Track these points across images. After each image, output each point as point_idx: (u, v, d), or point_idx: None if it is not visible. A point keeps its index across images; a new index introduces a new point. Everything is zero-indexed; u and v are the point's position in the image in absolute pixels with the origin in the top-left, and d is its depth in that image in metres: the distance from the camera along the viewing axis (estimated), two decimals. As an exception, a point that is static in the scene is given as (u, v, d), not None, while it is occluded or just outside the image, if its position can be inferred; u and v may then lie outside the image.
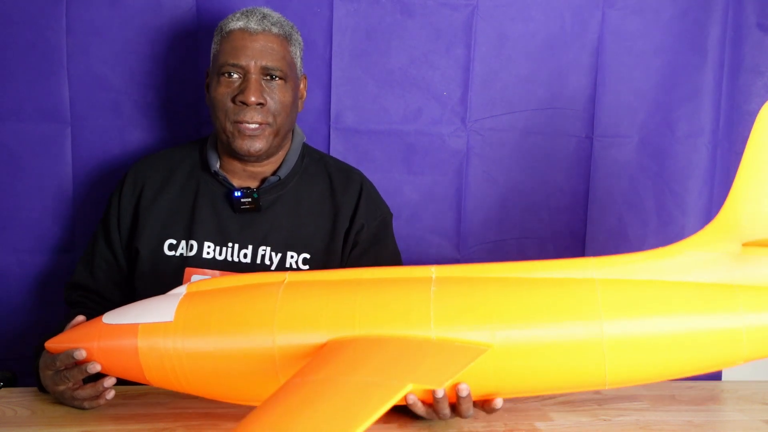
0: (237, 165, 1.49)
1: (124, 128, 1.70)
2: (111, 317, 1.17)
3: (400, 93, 1.74)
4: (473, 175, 1.77)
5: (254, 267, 1.45)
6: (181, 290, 1.18)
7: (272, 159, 1.50)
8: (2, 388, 1.39)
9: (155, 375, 1.14)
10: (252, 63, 1.41)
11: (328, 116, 1.73)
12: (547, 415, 1.30)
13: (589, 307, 1.02)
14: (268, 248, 1.46)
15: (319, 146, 1.69)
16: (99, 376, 1.20)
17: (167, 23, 1.69)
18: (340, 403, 0.90)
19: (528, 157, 1.77)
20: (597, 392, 1.43)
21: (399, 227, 1.63)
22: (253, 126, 1.41)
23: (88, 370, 1.16)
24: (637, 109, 1.77)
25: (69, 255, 1.71)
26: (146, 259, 1.47)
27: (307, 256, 1.46)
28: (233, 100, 1.41)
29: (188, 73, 1.70)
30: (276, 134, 1.45)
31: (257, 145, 1.43)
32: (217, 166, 1.49)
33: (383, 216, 1.55)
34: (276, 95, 1.43)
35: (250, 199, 1.46)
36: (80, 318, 1.25)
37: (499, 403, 1.07)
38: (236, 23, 1.43)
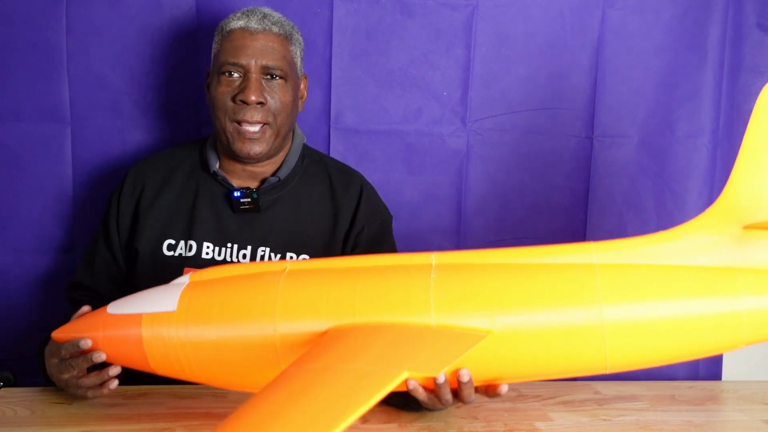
0: (237, 165, 1.49)
1: (124, 128, 1.70)
2: (115, 307, 1.18)
3: (400, 93, 1.74)
4: (473, 175, 1.77)
5: (253, 267, 1.44)
6: (183, 280, 1.19)
7: (272, 159, 1.50)
8: (2, 388, 1.39)
9: (159, 364, 1.15)
10: (252, 62, 1.41)
11: (328, 116, 1.73)
12: (547, 415, 1.30)
13: (589, 292, 1.02)
14: (267, 249, 1.46)
15: (319, 146, 1.69)
16: (104, 365, 1.20)
17: (167, 23, 1.69)
18: (336, 391, 0.91)
19: (528, 157, 1.77)
20: (597, 392, 1.43)
21: (399, 227, 1.63)
22: (253, 129, 1.41)
23: (94, 359, 1.17)
24: (637, 109, 1.77)
25: (69, 255, 1.71)
26: (145, 259, 1.47)
27: (307, 257, 1.46)
28: (233, 99, 1.41)
29: (188, 73, 1.70)
30: (276, 134, 1.45)
31: (257, 149, 1.43)
32: (217, 166, 1.49)
33: (383, 218, 1.55)
34: (276, 94, 1.43)
35: (249, 200, 1.46)
36: (86, 308, 1.26)
37: (504, 389, 1.07)
38: (237, 22, 1.43)
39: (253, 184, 1.50)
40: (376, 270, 1.11)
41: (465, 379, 1.04)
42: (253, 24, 1.42)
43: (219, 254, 1.46)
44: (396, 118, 1.74)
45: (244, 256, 1.46)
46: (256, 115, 1.41)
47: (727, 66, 1.75)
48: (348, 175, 1.56)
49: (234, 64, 1.41)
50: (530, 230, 1.78)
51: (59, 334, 1.21)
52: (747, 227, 1.03)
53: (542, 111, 1.76)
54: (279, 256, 1.46)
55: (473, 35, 1.73)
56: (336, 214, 1.51)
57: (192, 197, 1.49)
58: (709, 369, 1.78)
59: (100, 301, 1.48)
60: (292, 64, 1.46)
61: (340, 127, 1.74)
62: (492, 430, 1.23)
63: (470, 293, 1.05)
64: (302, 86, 1.54)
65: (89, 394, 1.23)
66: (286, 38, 1.46)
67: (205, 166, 1.51)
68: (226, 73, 1.42)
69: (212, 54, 1.48)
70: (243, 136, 1.42)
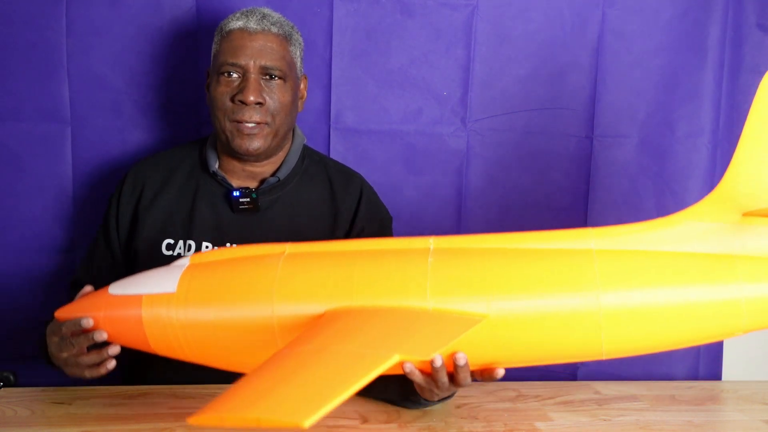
0: (236, 165, 1.49)
1: (124, 128, 1.70)
2: (117, 288, 1.19)
3: (400, 93, 1.74)
4: (473, 175, 1.77)
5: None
6: (184, 261, 1.20)
7: (272, 159, 1.50)
8: (2, 388, 1.39)
9: (159, 344, 1.16)
10: (251, 62, 1.41)
11: (328, 116, 1.73)
12: (547, 415, 1.30)
13: (586, 278, 1.02)
14: (267, 249, 1.46)
15: (319, 146, 1.69)
16: (104, 345, 1.21)
17: (167, 23, 1.69)
18: (326, 372, 0.91)
19: (528, 157, 1.77)
20: (597, 392, 1.43)
21: (399, 227, 1.63)
22: (251, 124, 1.41)
23: (96, 338, 1.17)
24: (637, 109, 1.77)
25: (69, 255, 1.71)
26: (144, 258, 1.47)
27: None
28: (232, 100, 1.41)
29: (188, 73, 1.70)
30: (275, 134, 1.45)
31: (255, 143, 1.43)
32: (216, 166, 1.49)
33: (383, 219, 1.55)
34: (275, 95, 1.43)
35: (248, 199, 1.46)
36: (88, 288, 1.26)
37: (500, 373, 1.07)
38: (236, 23, 1.43)
39: (253, 185, 1.50)
40: (375, 254, 1.12)
41: (461, 362, 1.05)
42: (252, 24, 1.42)
43: (218, 254, 1.46)
44: (396, 118, 1.74)
45: (244, 256, 1.46)
46: (255, 115, 1.41)
47: (727, 66, 1.75)
48: (348, 176, 1.56)
49: (233, 65, 1.41)
50: (530, 230, 1.78)
51: (62, 313, 1.23)
52: (746, 214, 1.03)
53: (542, 111, 1.76)
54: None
55: (473, 35, 1.73)
56: (336, 214, 1.51)
57: (191, 197, 1.49)
58: (709, 369, 1.78)
59: None
60: (291, 64, 1.46)
61: (340, 127, 1.74)
62: (492, 430, 1.23)
63: (467, 278, 1.05)
64: (302, 86, 1.54)
65: (86, 373, 1.23)
66: (286, 38, 1.46)
67: (204, 166, 1.51)
68: (225, 74, 1.42)
69: (212, 54, 1.48)
70: (242, 131, 1.42)
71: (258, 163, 1.49)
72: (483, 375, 1.10)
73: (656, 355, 1.75)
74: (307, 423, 0.79)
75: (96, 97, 1.68)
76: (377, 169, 1.72)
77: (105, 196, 1.61)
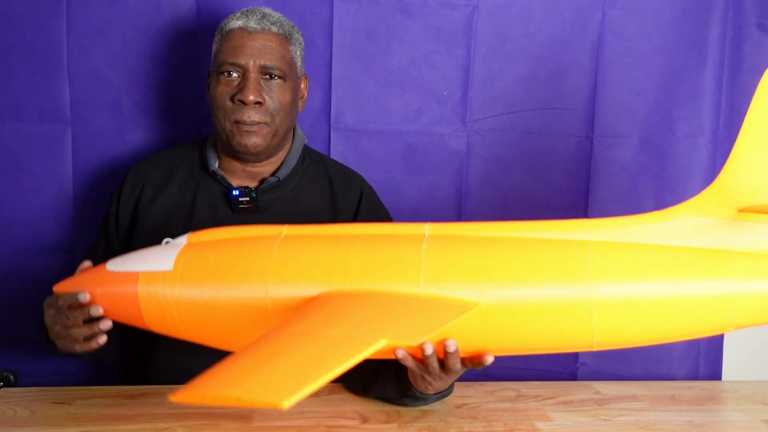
0: (236, 165, 1.49)
1: (124, 128, 1.70)
2: (114, 264, 1.20)
3: (400, 93, 1.74)
4: (473, 175, 1.77)
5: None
6: (181, 240, 1.20)
7: (272, 159, 1.50)
8: (2, 388, 1.39)
9: (154, 321, 1.17)
10: (251, 62, 1.41)
11: (328, 116, 1.73)
12: (547, 415, 1.30)
13: (579, 269, 1.02)
14: (267, 248, 1.46)
15: (320, 146, 1.69)
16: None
17: (167, 23, 1.69)
18: (310, 354, 0.92)
19: (528, 157, 1.77)
20: (597, 392, 1.43)
21: (399, 227, 1.62)
22: (251, 123, 1.41)
23: (92, 313, 1.18)
24: (637, 109, 1.77)
25: (69, 255, 1.71)
26: (145, 258, 1.47)
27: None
28: (232, 99, 1.41)
29: (188, 73, 1.70)
30: (275, 134, 1.44)
31: (254, 140, 1.42)
32: (216, 165, 1.49)
33: (383, 220, 1.55)
34: (275, 94, 1.43)
35: (248, 198, 1.46)
36: (87, 263, 1.27)
37: (488, 359, 1.07)
38: (236, 22, 1.43)
39: (253, 184, 1.50)
40: (371, 238, 1.12)
41: (451, 349, 1.06)
42: (252, 24, 1.42)
43: (218, 254, 1.46)
44: (396, 118, 1.74)
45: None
46: (255, 115, 1.41)
47: (727, 66, 1.75)
48: (348, 176, 1.56)
49: (232, 64, 1.41)
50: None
51: (60, 287, 1.23)
52: (742, 210, 1.03)
53: (542, 111, 1.76)
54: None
55: (473, 35, 1.73)
56: (335, 215, 1.50)
57: (191, 196, 1.49)
58: (709, 369, 1.78)
59: None
60: (291, 64, 1.46)
61: (341, 127, 1.74)
62: (492, 430, 1.23)
63: (460, 265, 1.05)
64: (302, 86, 1.53)
65: (78, 347, 1.23)
66: (286, 38, 1.46)
67: (204, 165, 1.51)
68: (225, 73, 1.42)
69: (212, 54, 1.48)
70: (241, 129, 1.41)
71: (258, 163, 1.49)
72: (473, 362, 1.10)
73: (656, 355, 1.76)
74: (286, 404, 0.80)
75: (96, 97, 1.68)
76: (377, 169, 1.72)
77: (105, 196, 1.61)
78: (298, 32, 1.50)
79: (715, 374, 1.78)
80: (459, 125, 1.75)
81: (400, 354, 1.07)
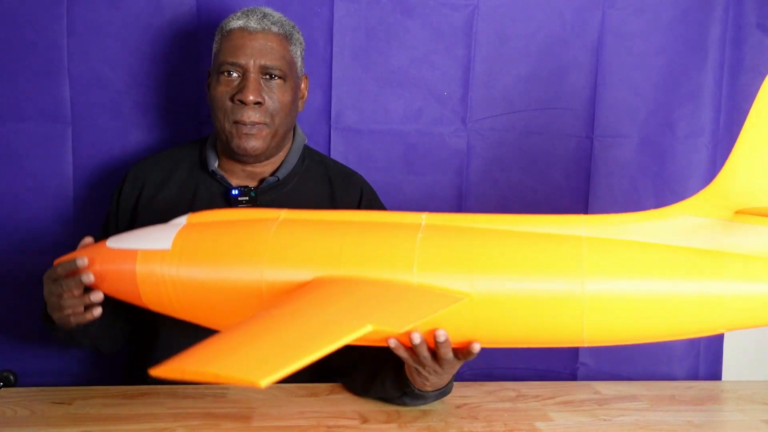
0: (236, 165, 1.49)
1: (124, 128, 1.70)
2: (114, 242, 1.22)
3: (400, 93, 1.74)
4: (473, 175, 1.77)
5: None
6: (181, 220, 1.21)
7: (272, 159, 1.50)
8: (2, 388, 1.39)
9: (151, 299, 1.18)
10: (251, 62, 1.41)
11: (328, 116, 1.73)
12: (547, 415, 1.30)
13: (572, 264, 1.02)
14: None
15: (320, 146, 1.69)
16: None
17: (168, 23, 1.69)
18: (293, 335, 0.93)
19: (528, 157, 1.77)
20: (597, 392, 1.43)
21: (399, 227, 1.62)
22: (250, 124, 1.41)
23: (83, 280, 1.19)
24: (637, 109, 1.77)
25: (69, 255, 1.71)
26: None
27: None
28: (232, 99, 1.41)
29: (188, 73, 1.70)
30: (274, 134, 1.44)
31: (253, 143, 1.42)
32: (216, 165, 1.49)
33: (383, 220, 1.55)
34: (275, 95, 1.43)
35: (247, 198, 1.46)
36: (88, 239, 1.28)
37: (476, 347, 1.08)
38: (236, 22, 1.43)
39: (252, 184, 1.50)
40: (367, 225, 1.13)
41: (441, 339, 1.07)
42: (252, 24, 1.42)
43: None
44: (396, 117, 1.74)
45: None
46: (254, 115, 1.41)
47: (727, 66, 1.75)
48: (348, 176, 1.56)
49: (232, 64, 1.41)
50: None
51: (61, 260, 1.25)
52: (738, 212, 1.02)
53: (542, 111, 1.76)
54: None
55: (473, 35, 1.73)
56: (336, 214, 1.50)
57: (190, 196, 1.49)
58: (709, 369, 1.78)
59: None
60: (291, 64, 1.46)
61: (341, 127, 1.74)
62: (492, 430, 1.23)
63: (454, 255, 1.06)
64: (303, 86, 1.53)
65: (72, 319, 1.24)
66: (286, 38, 1.46)
67: (204, 165, 1.51)
68: (225, 73, 1.42)
69: (212, 53, 1.48)
70: (241, 131, 1.42)
71: (258, 164, 1.49)
72: (462, 352, 1.11)
73: (656, 355, 1.76)
74: (264, 382, 0.80)
75: (96, 98, 1.68)
76: (377, 169, 1.72)
77: (105, 196, 1.61)
78: (298, 32, 1.50)
79: (715, 374, 1.78)
80: (459, 125, 1.76)
81: (392, 343, 1.09)
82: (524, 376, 1.73)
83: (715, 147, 1.76)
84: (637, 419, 1.30)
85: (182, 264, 1.14)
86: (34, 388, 1.35)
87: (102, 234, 1.52)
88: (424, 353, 1.11)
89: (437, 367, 1.15)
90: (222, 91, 1.42)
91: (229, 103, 1.42)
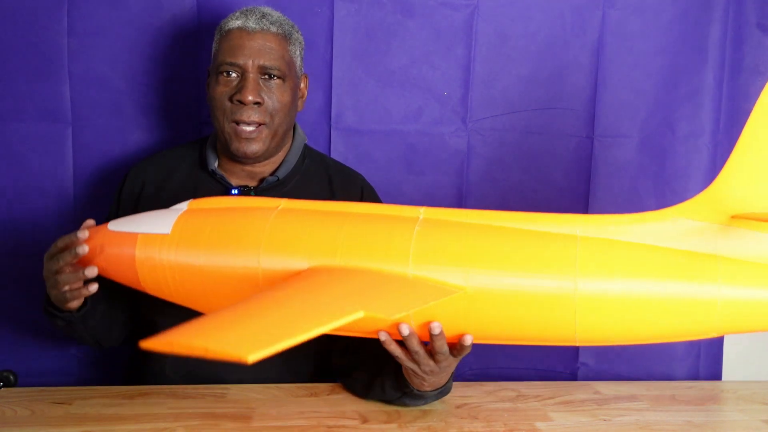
0: (236, 164, 1.49)
1: (124, 128, 1.70)
2: (116, 225, 1.23)
3: (400, 93, 1.74)
4: (474, 175, 1.77)
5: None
6: (183, 206, 1.23)
7: (271, 159, 1.50)
8: (2, 388, 1.39)
9: (149, 283, 1.19)
10: (249, 62, 1.40)
11: (328, 116, 1.73)
12: (547, 415, 1.30)
13: (566, 262, 1.02)
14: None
15: (320, 146, 1.69)
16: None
17: (168, 23, 1.69)
18: (285, 316, 0.94)
19: (528, 157, 1.77)
20: (597, 392, 1.43)
21: (399, 227, 1.62)
22: (250, 128, 1.41)
23: (77, 251, 1.20)
24: (637, 109, 1.77)
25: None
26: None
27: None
28: (231, 99, 1.41)
29: (188, 73, 1.70)
30: (274, 134, 1.44)
31: (254, 147, 1.43)
32: (215, 165, 1.49)
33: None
34: (274, 94, 1.42)
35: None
36: (90, 221, 1.28)
37: (467, 339, 1.08)
38: (235, 22, 1.43)
39: (252, 184, 1.50)
40: (365, 217, 1.14)
41: (436, 331, 1.07)
42: (251, 24, 1.42)
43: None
44: (397, 118, 1.75)
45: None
46: (253, 115, 1.41)
47: (727, 66, 1.75)
48: (349, 175, 1.56)
49: (231, 64, 1.41)
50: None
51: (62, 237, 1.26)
52: (734, 217, 1.03)
53: (543, 111, 1.76)
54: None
55: (473, 35, 1.73)
56: (336, 214, 1.50)
57: (190, 195, 1.48)
58: (709, 369, 1.78)
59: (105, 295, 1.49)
60: (290, 63, 1.46)
61: (341, 127, 1.74)
62: (492, 430, 1.23)
63: (450, 249, 1.06)
64: (302, 86, 1.53)
65: (68, 295, 1.25)
66: (285, 38, 1.45)
67: (204, 165, 1.51)
68: (224, 73, 1.42)
69: (212, 53, 1.48)
70: (240, 135, 1.42)
71: (257, 164, 1.48)
72: (456, 348, 1.12)
73: (656, 355, 1.77)
74: (251, 358, 0.80)
75: (97, 98, 1.69)
76: (378, 169, 1.72)
77: (105, 196, 1.61)
78: (297, 31, 1.50)
79: (715, 374, 1.78)
80: (459, 125, 1.76)
81: (383, 336, 1.10)
82: (524, 376, 1.74)
83: (715, 147, 1.76)
84: (637, 419, 1.30)
85: (181, 248, 1.15)
86: (34, 388, 1.35)
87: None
88: (415, 347, 1.11)
89: (431, 364, 1.15)
90: (221, 91, 1.42)
91: (228, 103, 1.42)
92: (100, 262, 1.21)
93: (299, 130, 1.55)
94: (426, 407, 1.30)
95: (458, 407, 1.32)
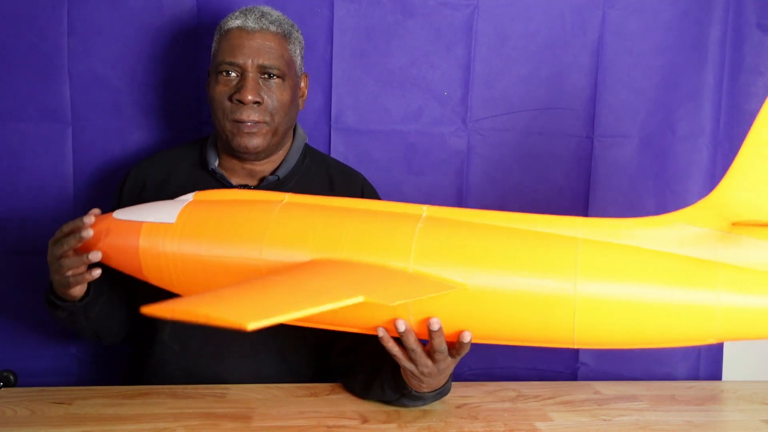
0: (236, 163, 1.49)
1: (124, 128, 1.71)
2: (121, 213, 1.24)
3: (400, 93, 1.74)
4: (474, 175, 1.77)
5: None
6: (188, 197, 1.24)
7: (272, 158, 1.50)
8: (2, 388, 1.39)
9: (152, 273, 1.20)
10: (249, 61, 1.40)
11: (328, 116, 1.73)
12: (547, 415, 1.30)
13: (566, 264, 1.02)
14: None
15: (320, 146, 1.69)
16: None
17: (168, 23, 1.69)
18: (286, 293, 0.96)
19: (528, 157, 1.77)
20: (597, 392, 1.43)
21: (399, 227, 1.62)
22: (250, 123, 1.41)
23: (83, 236, 1.20)
24: (637, 109, 1.77)
25: (69, 255, 1.71)
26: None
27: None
28: (230, 99, 1.41)
29: (189, 73, 1.70)
30: (274, 133, 1.44)
31: (255, 142, 1.42)
32: (216, 164, 1.49)
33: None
34: (274, 94, 1.42)
35: (246, 197, 1.46)
36: (96, 210, 1.28)
37: (466, 336, 1.08)
38: (234, 21, 1.43)
39: (253, 183, 1.50)
40: (369, 213, 1.14)
41: (435, 327, 1.07)
42: (251, 23, 1.42)
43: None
44: (396, 118, 1.75)
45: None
46: (253, 114, 1.41)
47: (727, 66, 1.75)
48: (349, 175, 1.56)
49: (231, 64, 1.41)
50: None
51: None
52: (735, 224, 1.03)
53: (543, 111, 1.76)
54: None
55: (473, 35, 1.73)
56: (336, 214, 1.50)
57: (191, 195, 1.49)
58: (709, 369, 1.78)
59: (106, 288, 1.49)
60: (290, 63, 1.46)
61: (341, 127, 1.74)
62: (492, 430, 1.23)
63: (451, 247, 1.06)
64: (303, 85, 1.53)
65: (71, 280, 1.25)
66: (285, 37, 1.45)
67: (204, 164, 1.51)
68: (224, 73, 1.42)
69: (212, 53, 1.48)
70: (241, 130, 1.42)
71: (258, 162, 1.49)
72: (455, 347, 1.12)
73: (657, 355, 1.77)
74: (251, 326, 0.81)
75: (97, 98, 1.69)
76: (378, 169, 1.72)
77: (105, 196, 1.61)
78: (297, 30, 1.50)
79: (715, 374, 1.78)
80: (459, 125, 1.76)
81: (380, 332, 1.10)
82: (524, 376, 1.74)
83: (714, 147, 1.76)
84: (637, 419, 1.30)
85: (184, 238, 1.16)
86: (34, 388, 1.35)
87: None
88: (412, 345, 1.11)
89: (429, 364, 1.15)
90: (221, 90, 1.42)
91: (227, 103, 1.42)
92: (104, 249, 1.22)
93: (300, 130, 1.55)
94: (426, 407, 1.30)
95: (458, 407, 1.32)
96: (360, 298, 0.95)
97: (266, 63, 1.41)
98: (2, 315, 1.71)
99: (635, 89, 1.76)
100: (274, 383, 1.39)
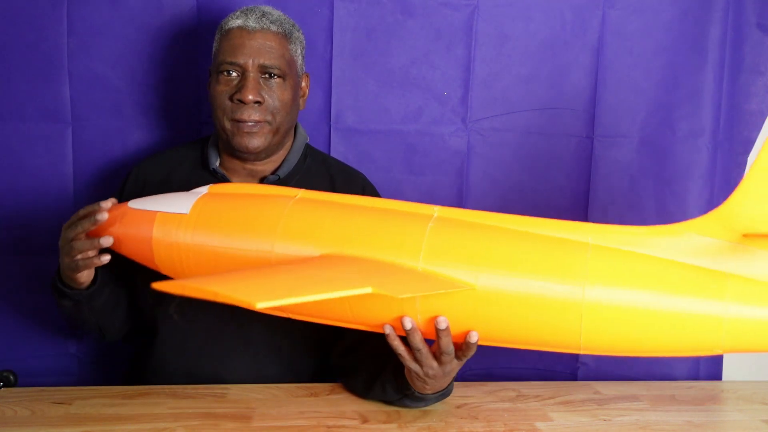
0: (237, 163, 1.49)
1: (124, 128, 1.71)
2: (137, 203, 1.26)
3: (400, 93, 1.74)
4: (474, 175, 1.77)
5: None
6: (203, 189, 1.25)
7: (273, 158, 1.50)
8: (2, 388, 1.39)
9: (164, 262, 1.21)
10: (250, 61, 1.40)
11: (328, 116, 1.73)
12: (547, 415, 1.30)
13: (575, 269, 1.02)
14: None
15: (320, 146, 1.69)
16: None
17: (168, 23, 1.69)
18: (296, 278, 0.98)
19: (528, 157, 1.77)
20: (597, 392, 1.43)
21: (399, 227, 1.62)
22: (251, 123, 1.41)
23: (98, 218, 1.22)
24: (637, 109, 1.77)
25: (69, 255, 1.71)
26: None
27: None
28: (231, 99, 1.41)
29: (189, 73, 1.70)
30: (275, 132, 1.44)
31: (255, 142, 1.43)
32: (217, 164, 1.49)
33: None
34: (274, 93, 1.42)
35: (247, 197, 1.46)
36: (112, 200, 1.29)
37: (473, 336, 1.08)
38: (235, 21, 1.43)
39: (253, 183, 1.50)
40: (380, 211, 1.15)
41: (442, 326, 1.07)
42: (251, 23, 1.42)
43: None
44: (397, 118, 1.75)
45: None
46: (254, 114, 1.41)
47: (727, 66, 1.75)
48: (350, 175, 1.57)
49: (231, 63, 1.41)
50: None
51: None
52: (746, 235, 1.02)
53: (543, 111, 1.76)
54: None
55: (473, 35, 1.73)
56: (336, 213, 1.50)
57: (192, 196, 1.50)
58: (709, 369, 1.78)
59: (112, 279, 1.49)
60: (291, 62, 1.46)
61: (341, 127, 1.74)
62: (492, 430, 1.23)
63: (460, 247, 1.07)
64: (303, 84, 1.53)
65: (80, 263, 1.26)
66: (285, 36, 1.45)
67: (205, 164, 1.51)
68: (224, 72, 1.42)
69: (212, 53, 1.48)
70: (242, 130, 1.42)
71: (258, 162, 1.49)
72: (461, 348, 1.12)
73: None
74: (259, 305, 0.83)
75: (97, 98, 1.69)
76: (378, 169, 1.72)
77: (105, 196, 1.59)
78: (298, 30, 1.50)
79: (715, 374, 1.78)
80: (459, 125, 1.76)
81: (387, 329, 1.10)
82: (524, 376, 1.74)
83: (714, 147, 1.76)
84: (637, 419, 1.30)
85: (198, 229, 1.17)
86: (34, 388, 1.35)
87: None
88: (418, 344, 1.11)
89: (435, 366, 1.15)
90: (221, 90, 1.42)
91: (228, 103, 1.42)
92: (117, 236, 1.23)
93: (301, 130, 1.55)
94: (426, 407, 1.30)
95: (458, 407, 1.32)
96: (368, 289, 0.96)
97: (267, 63, 1.41)
98: (2, 315, 1.71)
99: (635, 89, 1.76)
100: (274, 383, 1.39)
